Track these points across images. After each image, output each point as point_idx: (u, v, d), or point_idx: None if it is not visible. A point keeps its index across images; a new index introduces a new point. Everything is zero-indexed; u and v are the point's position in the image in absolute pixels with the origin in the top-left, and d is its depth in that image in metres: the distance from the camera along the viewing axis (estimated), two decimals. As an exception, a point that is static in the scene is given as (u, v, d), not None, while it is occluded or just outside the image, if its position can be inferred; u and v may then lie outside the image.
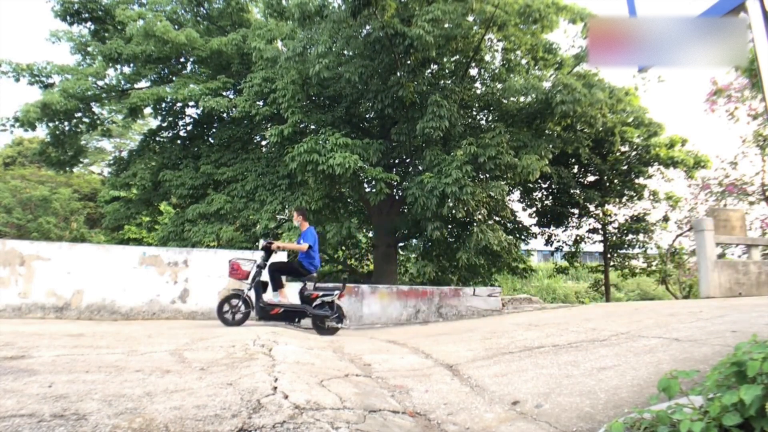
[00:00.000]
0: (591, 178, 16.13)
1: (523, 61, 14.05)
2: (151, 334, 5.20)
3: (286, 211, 13.59)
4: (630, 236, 15.93)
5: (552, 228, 17.01)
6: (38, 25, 58.37)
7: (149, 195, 14.73)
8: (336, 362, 4.31)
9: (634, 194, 15.75)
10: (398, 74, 11.35)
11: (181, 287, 8.57)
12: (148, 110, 15.09)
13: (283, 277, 6.97)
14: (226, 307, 6.47)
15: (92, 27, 15.00)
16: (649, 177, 15.56)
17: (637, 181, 15.61)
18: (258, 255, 7.01)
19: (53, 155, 14.83)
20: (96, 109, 15.03)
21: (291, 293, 7.12)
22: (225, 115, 14.94)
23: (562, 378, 3.36)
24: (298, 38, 12.22)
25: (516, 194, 16.55)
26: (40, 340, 4.35)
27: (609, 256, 16.45)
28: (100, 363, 3.44)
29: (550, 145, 12.15)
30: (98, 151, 28.30)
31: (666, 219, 16.00)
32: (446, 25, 11.00)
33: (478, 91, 14.23)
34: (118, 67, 14.44)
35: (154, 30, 12.41)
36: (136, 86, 14.64)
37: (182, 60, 15.03)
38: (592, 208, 15.84)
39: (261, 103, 13.15)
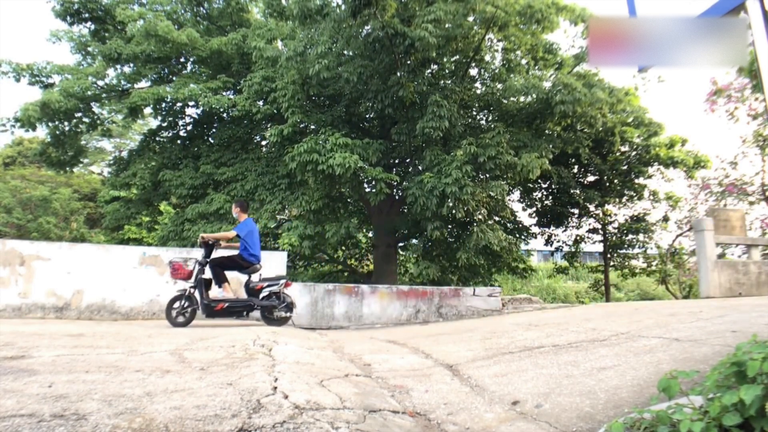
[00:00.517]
0: (591, 178, 16.13)
1: (524, 61, 14.06)
2: (151, 334, 5.20)
3: (286, 211, 13.60)
4: (630, 236, 15.92)
5: (552, 228, 17.01)
6: (38, 25, 58.38)
7: (149, 195, 14.73)
8: (336, 362, 4.31)
9: (634, 194, 15.75)
10: (398, 74, 11.35)
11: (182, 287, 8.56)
12: (148, 110, 15.07)
13: (231, 273, 6.88)
14: (173, 308, 6.45)
15: (92, 27, 14.99)
16: (649, 177, 15.56)
17: (637, 181, 15.61)
18: (198, 253, 6.88)
19: (53, 155, 14.83)
20: (96, 109, 15.02)
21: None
22: (225, 114, 14.93)
23: (562, 378, 3.36)
24: (298, 38, 12.22)
25: (516, 194, 16.55)
26: (40, 340, 4.35)
27: (609, 256, 16.45)
28: (100, 363, 3.44)
29: (550, 145, 12.15)
30: (98, 151, 28.30)
31: (666, 219, 16.00)
32: (447, 26, 11.00)
33: (478, 91, 14.23)
34: (118, 67, 14.43)
35: (155, 30, 12.40)
36: (136, 86, 14.64)
37: (182, 60, 15.02)
38: (592, 208, 15.84)
39: (261, 102, 13.15)
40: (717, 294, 9.91)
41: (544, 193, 16.71)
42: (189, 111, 15.59)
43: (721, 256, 12.81)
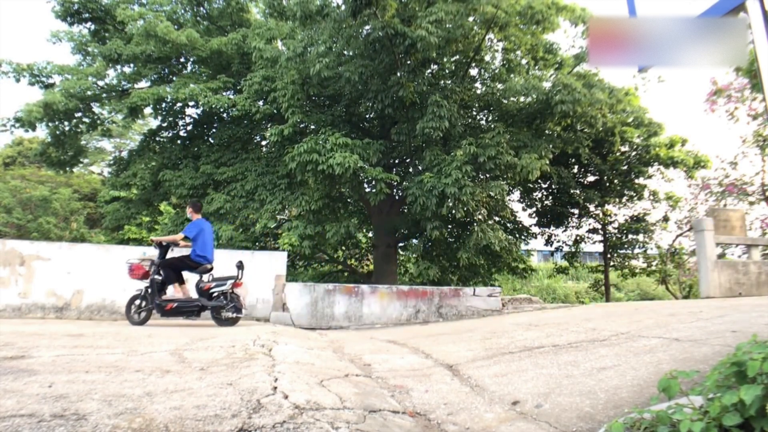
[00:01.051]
0: (591, 178, 16.13)
1: (524, 62, 14.06)
2: (151, 334, 5.20)
3: (286, 210, 13.59)
4: (630, 236, 15.92)
5: (552, 228, 17.01)
6: (38, 25, 58.39)
7: (149, 195, 14.73)
8: (336, 362, 4.31)
9: (634, 194, 15.75)
10: (398, 74, 11.35)
11: (181, 287, 8.56)
12: (148, 110, 15.07)
13: (193, 274, 6.95)
14: (132, 307, 6.58)
15: (92, 27, 14.99)
16: (649, 177, 15.56)
17: (637, 181, 15.60)
18: (155, 253, 6.96)
19: (54, 155, 14.83)
20: (96, 109, 15.02)
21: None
22: (225, 114, 14.93)
23: (562, 378, 3.36)
24: (298, 38, 12.22)
25: (516, 194, 16.55)
26: (40, 340, 4.35)
27: (609, 256, 16.45)
28: (100, 363, 3.44)
29: (550, 145, 12.15)
30: (98, 151, 28.31)
31: (666, 219, 16.00)
32: (448, 26, 11.01)
33: (478, 91, 14.23)
34: (118, 67, 14.43)
35: (155, 30, 12.40)
36: (136, 86, 14.64)
37: (182, 60, 15.02)
38: (592, 208, 15.83)
39: (261, 102, 13.15)
40: (717, 294, 9.91)
41: (544, 193, 16.70)
42: (189, 111, 15.59)
43: (721, 256, 12.81)
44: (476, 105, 14.32)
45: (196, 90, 12.50)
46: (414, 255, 15.03)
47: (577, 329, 5.26)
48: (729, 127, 14.23)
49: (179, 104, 14.43)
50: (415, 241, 15.27)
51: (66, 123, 14.18)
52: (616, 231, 16.25)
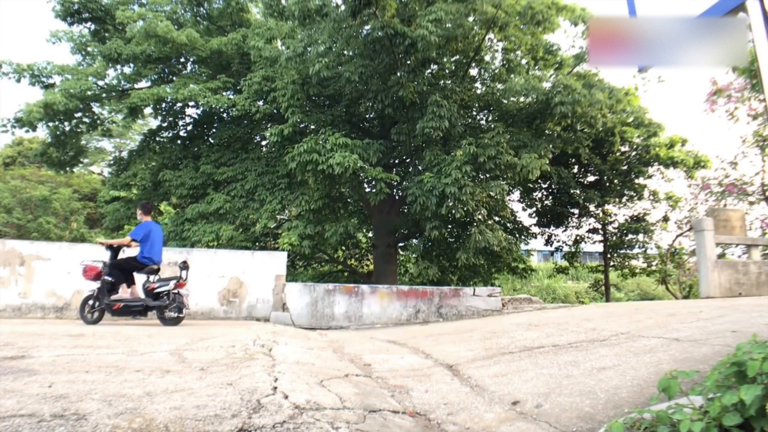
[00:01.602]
0: (591, 178, 16.13)
1: (524, 62, 14.06)
2: (151, 334, 5.20)
3: (286, 210, 13.59)
4: (630, 236, 15.92)
5: (552, 228, 17.02)
6: (38, 25, 58.40)
7: (149, 195, 14.73)
8: (336, 362, 4.31)
9: (634, 194, 15.75)
10: (398, 74, 11.35)
11: (181, 287, 8.56)
12: (148, 110, 15.08)
13: (143, 275, 7.09)
14: (86, 307, 6.74)
15: (92, 27, 14.99)
16: (649, 177, 15.57)
17: (637, 181, 15.61)
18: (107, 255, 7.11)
19: (54, 155, 14.83)
20: (96, 109, 15.02)
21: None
22: (225, 114, 14.93)
23: (562, 378, 3.36)
24: (298, 38, 12.22)
25: (516, 194, 16.56)
26: (40, 340, 4.35)
27: (609, 256, 16.45)
28: (100, 363, 3.44)
29: (550, 145, 12.15)
30: (98, 151, 28.30)
31: (666, 219, 16.00)
32: (448, 26, 11.01)
33: (478, 91, 14.23)
34: (118, 67, 14.43)
35: (155, 30, 12.40)
36: (136, 86, 14.64)
37: (182, 60, 15.02)
38: (592, 208, 15.83)
39: (261, 102, 13.15)
40: (717, 294, 9.90)
41: (544, 193, 16.71)
42: (189, 111, 15.60)
43: (721, 256, 12.80)
44: (476, 105, 14.32)
45: (196, 90, 12.50)
46: (414, 255, 15.03)
47: (577, 329, 5.26)
48: (729, 127, 14.20)
49: (179, 104, 14.44)
50: (415, 241, 15.27)
51: (66, 123, 14.18)
52: (616, 231, 16.25)
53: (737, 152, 17.05)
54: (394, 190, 13.45)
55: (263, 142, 15.65)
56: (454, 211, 10.50)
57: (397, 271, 15.04)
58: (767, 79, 2.05)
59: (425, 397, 3.26)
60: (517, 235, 16.10)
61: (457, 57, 13.36)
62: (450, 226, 13.55)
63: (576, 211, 16.29)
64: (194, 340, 4.69)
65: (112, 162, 19.00)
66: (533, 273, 18.79)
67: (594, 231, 16.57)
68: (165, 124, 15.87)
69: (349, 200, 15.53)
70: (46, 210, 22.02)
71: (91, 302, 6.76)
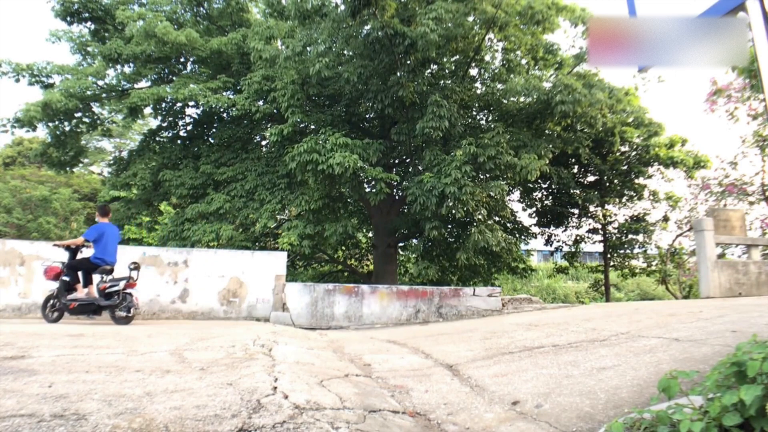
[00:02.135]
0: (591, 178, 16.13)
1: (524, 62, 14.06)
2: (151, 334, 5.20)
3: (286, 210, 13.59)
4: (630, 236, 15.92)
5: (552, 228, 17.02)
6: (38, 25, 58.40)
7: (149, 195, 14.73)
8: (336, 362, 4.31)
9: (634, 194, 15.75)
10: (398, 74, 11.35)
11: (181, 287, 8.57)
12: (148, 110, 15.08)
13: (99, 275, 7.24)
14: (47, 307, 6.95)
15: (92, 27, 14.99)
16: (649, 177, 15.56)
17: (637, 181, 15.61)
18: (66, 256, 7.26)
19: (54, 155, 14.84)
20: (96, 109, 15.03)
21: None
22: (225, 114, 14.93)
23: (562, 378, 3.36)
24: (297, 38, 12.22)
25: (516, 194, 16.56)
26: (40, 340, 4.35)
27: (609, 256, 16.45)
28: (100, 363, 3.44)
29: (550, 145, 12.15)
30: (98, 151, 28.31)
31: (666, 219, 16.00)
32: (448, 25, 11.01)
33: (478, 91, 14.23)
34: (118, 67, 14.43)
35: (154, 30, 12.40)
36: (136, 86, 14.64)
37: (182, 60, 15.02)
38: (592, 208, 15.83)
39: (261, 102, 13.15)
40: (717, 294, 9.90)
41: (544, 193, 16.71)
42: (189, 111, 15.60)
43: (721, 256, 12.80)
44: (476, 105, 14.32)
45: (196, 90, 12.50)
46: (414, 255, 15.03)
47: (577, 329, 5.26)
48: (729, 127, 14.21)
49: (179, 104, 14.44)
50: (414, 241, 15.27)
51: (66, 123, 14.18)
52: (616, 231, 16.25)
53: (737, 152, 17.07)
54: (394, 190, 13.45)
55: (263, 142, 15.65)
56: (454, 211, 10.50)
57: (397, 271, 15.04)
58: (767, 79, 2.05)
59: (425, 397, 3.26)
60: (517, 235, 16.10)
61: (457, 57, 13.35)
62: (450, 226, 13.55)
63: (576, 211, 16.29)
64: (194, 340, 4.69)
65: (112, 162, 19.00)
66: (533, 273, 18.79)
67: (594, 231, 16.57)
68: (165, 124, 15.87)
69: (349, 200, 15.53)
70: (46, 210, 22.04)
71: (51, 302, 6.97)
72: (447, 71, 13.77)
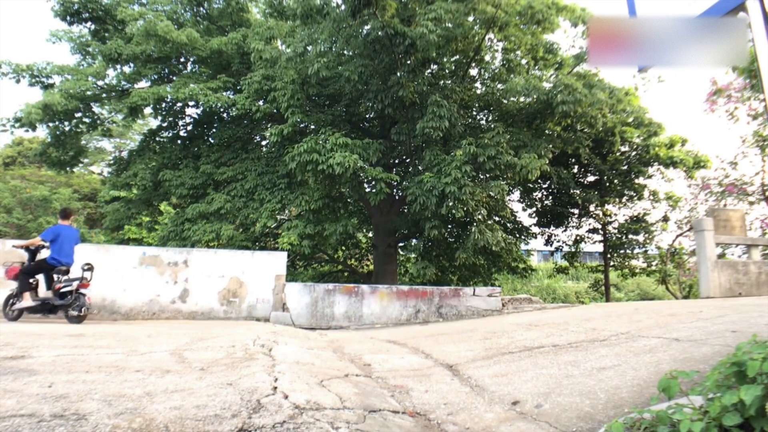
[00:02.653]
0: (591, 178, 16.13)
1: (524, 62, 14.06)
2: (151, 334, 5.20)
3: (286, 210, 13.59)
4: (630, 236, 15.93)
5: (552, 228, 17.02)
6: (38, 25, 58.40)
7: (150, 195, 14.73)
8: (336, 362, 4.31)
9: (634, 194, 15.75)
10: (398, 74, 11.35)
11: (181, 287, 8.57)
12: (148, 110, 15.07)
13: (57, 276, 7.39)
14: (7, 306, 7.13)
15: (92, 27, 14.98)
16: (649, 177, 15.56)
17: (637, 181, 15.61)
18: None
19: (54, 155, 14.84)
20: (96, 108, 15.02)
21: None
22: (225, 114, 14.93)
23: (562, 378, 3.36)
24: (297, 38, 12.22)
25: (516, 194, 16.57)
26: (40, 340, 4.35)
27: (609, 256, 16.45)
28: (100, 363, 3.44)
29: (550, 145, 12.15)
30: (98, 151, 28.32)
31: (666, 219, 16.01)
32: (448, 25, 11.01)
33: (478, 91, 14.23)
34: (118, 67, 14.42)
35: (156, 30, 12.39)
36: (136, 86, 14.63)
37: (182, 60, 15.01)
38: (592, 208, 15.84)
39: (261, 102, 13.16)
40: (717, 294, 9.90)
41: (544, 193, 16.70)
42: (189, 111, 15.60)
43: (721, 256, 12.80)
44: (476, 105, 14.32)
45: (196, 90, 12.49)
46: (414, 255, 15.02)
47: (577, 329, 5.26)
48: (729, 127, 14.20)
49: (179, 104, 14.43)
50: (414, 241, 15.28)
51: (66, 123, 14.18)
52: (616, 231, 16.25)
53: (737, 152, 17.06)
54: (394, 190, 13.45)
55: (263, 142, 15.66)
56: (453, 211, 10.50)
57: (397, 271, 15.04)
58: (767, 79, 2.05)
59: (425, 397, 3.26)
60: (517, 235, 16.10)
61: (457, 57, 13.35)
62: (450, 226, 13.55)
63: (576, 211, 16.29)
64: (194, 340, 4.69)
65: (112, 162, 19.00)
66: (533, 273, 18.78)
67: (594, 231, 16.57)
68: (165, 124, 15.87)
69: (349, 200, 15.53)
70: (46, 210, 22.05)
71: (11, 301, 7.13)
72: (447, 71, 13.76)
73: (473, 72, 14.10)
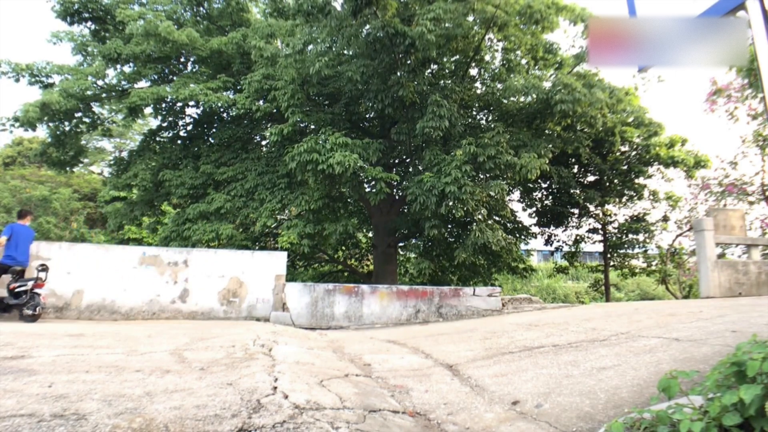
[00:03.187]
0: (591, 178, 16.13)
1: (523, 61, 14.06)
2: (151, 334, 5.20)
3: (286, 210, 13.60)
4: (630, 236, 15.93)
5: (552, 228, 17.02)
6: (38, 25, 58.39)
7: (151, 195, 14.74)
8: (336, 362, 4.31)
9: (634, 194, 15.75)
10: (398, 74, 11.35)
11: (181, 287, 8.57)
12: (148, 110, 15.08)
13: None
14: None
15: (92, 27, 14.99)
16: (649, 177, 15.57)
17: (637, 181, 15.61)
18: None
19: (54, 155, 14.84)
20: (96, 108, 15.02)
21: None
22: (225, 114, 14.93)
23: (562, 378, 3.36)
24: (297, 36, 12.21)
25: (516, 194, 16.56)
26: (40, 340, 4.35)
27: (609, 256, 16.46)
28: (100, 363, 3.44)
29: (550, 145, 12.15)
30: (98, 151, 28.32)
31: (666, 219, 16.01)
32: (447, 25, 11.01)
33: (478, 91, 14.23)
34: (118, 66, 14.42)
35: (156, 30, 12.39)
36: (136, 86, 14.63)
37: (182, 60, 15.02)
38: (592, 208, 15.84)
39: (261, 102, 13.16)
40: (717, 294, 9.90)
41: (544, 193, 16.70)
42: (189, 111, 15.59)
43: (721, 256, 12.80)
44: (476, 105, 14.31)
45: (196, 90, 12.49)
46: (414, 254, 15.02)
47: (577, 329, 5.26)
48: (729, 127, 14.21)
49: (179, 104, 14.43)
50: (414, 240, 15.27)
51: (66, 123, 14.17)
52: (616, 231, 16.25)
53: (737, 152, 17.06)
54: (394, 190, 13.45)
55: (263, 142, 15.65)
56: (453, 211, 10.50)
57: (397, 271, 15.04)
58: (767, 79, 2.05)
59: (425, 397, 3.26)
60: (517, 235, 16.09)
61: (457, 57, 13.35)
62: (450, 226, 13.54)
63: (576, 211, 16.29)
64: (194, 340, 4.69)
65: (112, 162, 18.99)
66: (533, 273, 18.77)
67: (594, 231, 16.58)
68: (165, 124, 15.86)
69: (349, 200, 15.53)
70: (46, 210, 22.04)
71: None
72: (447, 71, 13.76)
73: (473, 72, 14.10)
